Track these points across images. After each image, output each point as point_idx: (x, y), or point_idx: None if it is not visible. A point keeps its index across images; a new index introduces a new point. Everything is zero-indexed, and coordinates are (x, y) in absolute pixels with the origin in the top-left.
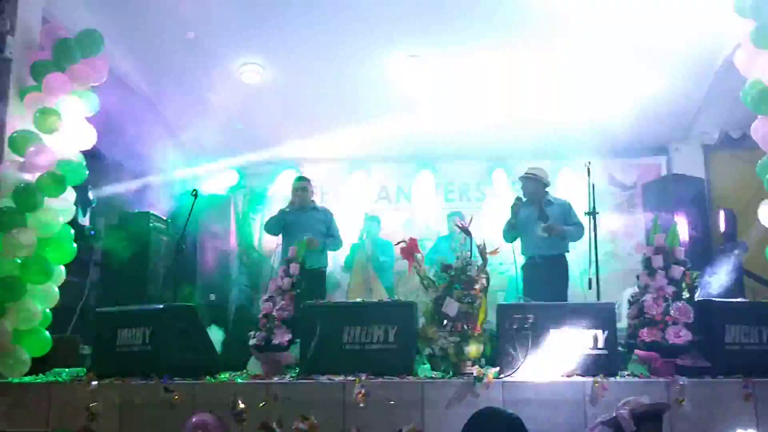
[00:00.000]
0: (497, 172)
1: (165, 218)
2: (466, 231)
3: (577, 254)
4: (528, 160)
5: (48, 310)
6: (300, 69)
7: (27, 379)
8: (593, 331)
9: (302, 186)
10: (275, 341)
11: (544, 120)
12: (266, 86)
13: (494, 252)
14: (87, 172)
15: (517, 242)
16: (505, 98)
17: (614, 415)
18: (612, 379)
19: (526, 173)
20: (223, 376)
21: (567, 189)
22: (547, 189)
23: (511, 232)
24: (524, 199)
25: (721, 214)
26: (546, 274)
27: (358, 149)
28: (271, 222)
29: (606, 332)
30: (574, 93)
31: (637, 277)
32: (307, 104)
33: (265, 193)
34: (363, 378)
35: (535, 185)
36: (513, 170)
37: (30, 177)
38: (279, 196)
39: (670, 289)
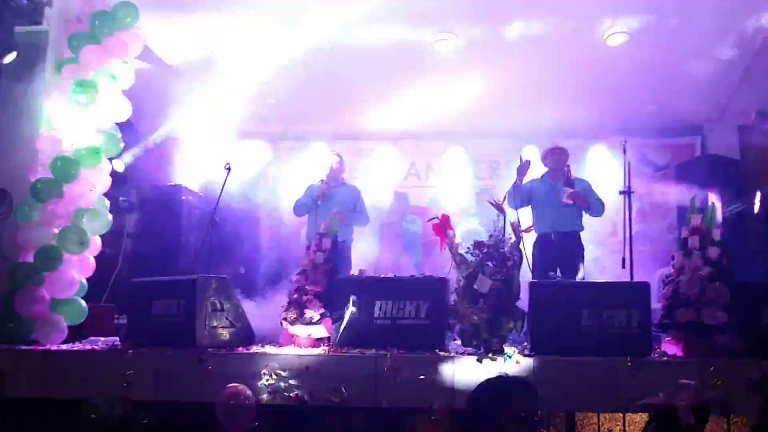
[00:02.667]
0: (527, 150)
1: (198, 191)
2: (499, 208)
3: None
4: (558, 138)
5: (84, 280)
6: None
7: (64, 347)
8: (626, 310)
9: (333, 161)
10: (308, 315)
11: (576, 97)
12: (297, 61)
13: (528, 229)
14: (122, 144)
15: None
16: (535, 75)
17: (666, 401)
18: (645, 359)
19: (553, 146)
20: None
21: (598, 167)
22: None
23: (516, 196)
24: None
25: (758, 194)
26: (560, 252)
27: (388, 125)
28: (301, 207)
29: (639, 312)
30: (607, 70)
31: (672, 257)
32: (338, 80)
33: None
34: (394, 352)
35: (560, 158)
36: (542, 147)
37: (67, 147)
38: (309, 172)
39: (707, 270)
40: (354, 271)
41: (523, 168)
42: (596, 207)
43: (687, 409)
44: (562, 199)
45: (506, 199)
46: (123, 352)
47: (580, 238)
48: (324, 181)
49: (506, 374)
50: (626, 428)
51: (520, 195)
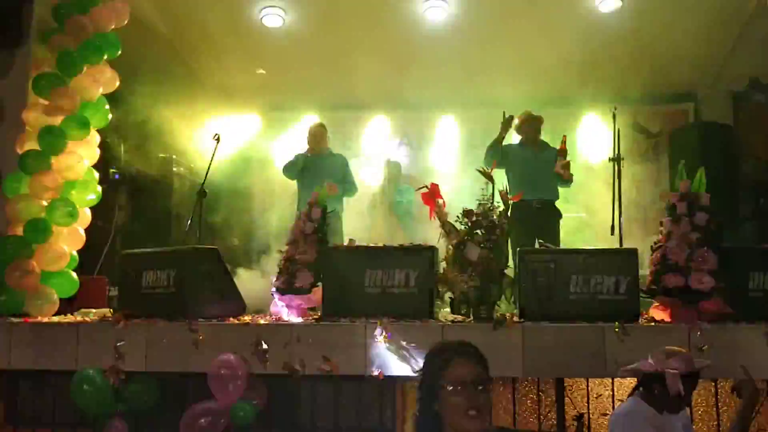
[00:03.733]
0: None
1: (189, 163)
2: (487, 176)
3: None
4: (551, 107)
5: (74, 252)
6: (322, 12)
7: (55, 319)
8: (614, 277)
9: (319, 132)
10: (297, 284)
11: (568, 64)
12: (288, 30)
13: (517, 197)
14: (110, 115)
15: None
16: (527, 42)
17: (657, 368)
18: (633, 324)
19: (528, 113)
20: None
21: (590, 136)
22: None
23: (497, 151)
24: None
25: (749, 162)
26: (539, 221)
27: (380, 95)
28: (289, 165)
29: (628, 278)
30: (597, 35)
31: (661, 223)
32: (329, 49)
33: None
34: (384, 321)
35: (537, 125)
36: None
37: (54, 120)
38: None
39: (694, 236)
40: (344, 241)
41: (508, 122)
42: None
43: (676, 378)
44: (556, 168)
45: (485, 156)
46: (114, 324)
47: (556, 207)
48: (311, 150)
49: (452, 342)
50: (615, 393)
51: (498, 152)
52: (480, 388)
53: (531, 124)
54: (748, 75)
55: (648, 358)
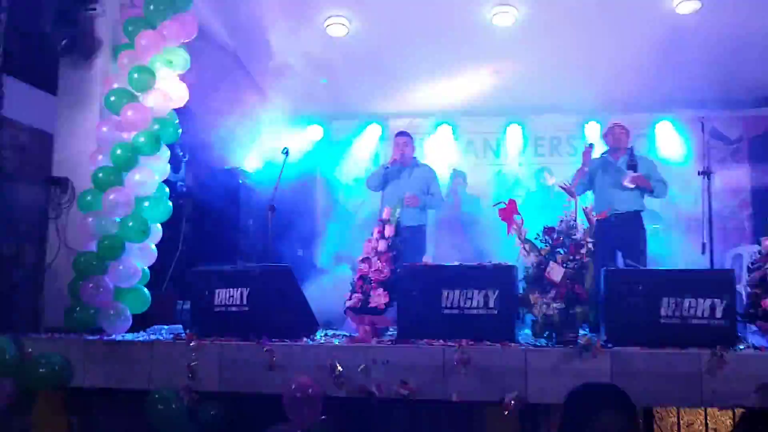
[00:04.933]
0: (590, 126)
1: (254, 175)
2: (569, 192)
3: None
4: (623, 113)
5: (146, 268)
6: (386, 21)
7: (129, 336)
8: (710, 300)
9: (404, 141)
10: (372, 304)
11: (642, 69)
12: (352, 39)
13: (602, 215)
14: (180, 130)
15: None
16: (599, 45)
17: (762, 403)
18: (731, 351)
19: (616, 128)
20: (319, 335)
21: (665, 143)
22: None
23: (583, 182)
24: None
25: None
26: (620, 234)
27: (445, 103)
28: (373, 177)
29: (724, 301)
30: (676, 39)
31: (758, 242)
32: (393, 57)
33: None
34: (463, 343)
35: (620, 136)
36: (606, 123)
37: (126, 136)
38: (364, 152)
39: None
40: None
41: (588, 153)
42: (659, 189)
43: None
44: (623, 182)
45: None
46: (187, 343)
47: (641, 217)
48: (395, 161)
49: (596, 383)
50: (707, 421)
51: (584, 182)
52: None
53: (612, 134)
54: None
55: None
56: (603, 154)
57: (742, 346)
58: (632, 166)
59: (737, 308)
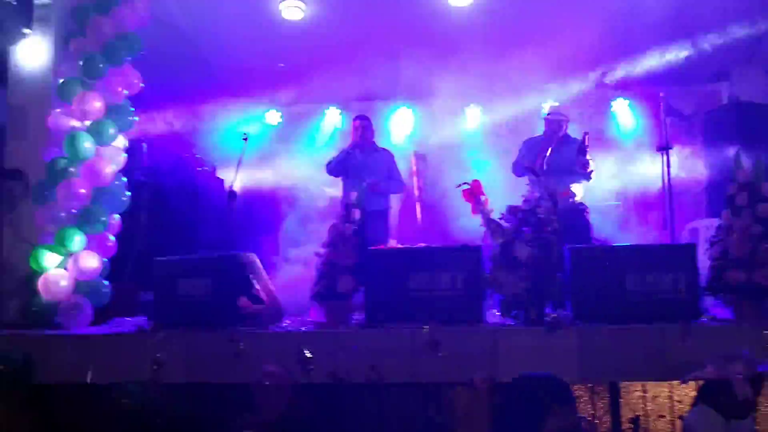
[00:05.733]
0: (548, 105)
1: (212, 162)
2: (533, 171)
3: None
4: (578, 91)
5: (106, 260)
6: (343, 4)
7: (91, 330)
8: (673, 274)
9: (363, 125)
10: (339, 289)
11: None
12: (308, 23)
13: (565, 193)
14: (136, 118)
15: None
16: (551, 23)
17: (719, 374)
18: (694, 324)
19: (556, 114)
20: (286, 322)
21: (623, 120)
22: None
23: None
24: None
25: None
26: (565, 224)
27: (404, 85)
28: (333, 163)
29: (686, 275)
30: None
31: (716, 216)
32: (350, 40)
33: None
34: (431, 325)
35: (558, 124)
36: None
37: (79, 125)
38: (323, 136)
39: (758, 228)
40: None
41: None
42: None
43: (744, 383)
44: (576, 165)
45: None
46: (152, 335)
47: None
48: (355, 144)
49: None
50: (672, 394)
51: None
52: None
53: (550, 121)
54: None
55: (707, 365)
56: (540, 135)
57: (705, 319)
58: (582, 151)
59: (698, 281)
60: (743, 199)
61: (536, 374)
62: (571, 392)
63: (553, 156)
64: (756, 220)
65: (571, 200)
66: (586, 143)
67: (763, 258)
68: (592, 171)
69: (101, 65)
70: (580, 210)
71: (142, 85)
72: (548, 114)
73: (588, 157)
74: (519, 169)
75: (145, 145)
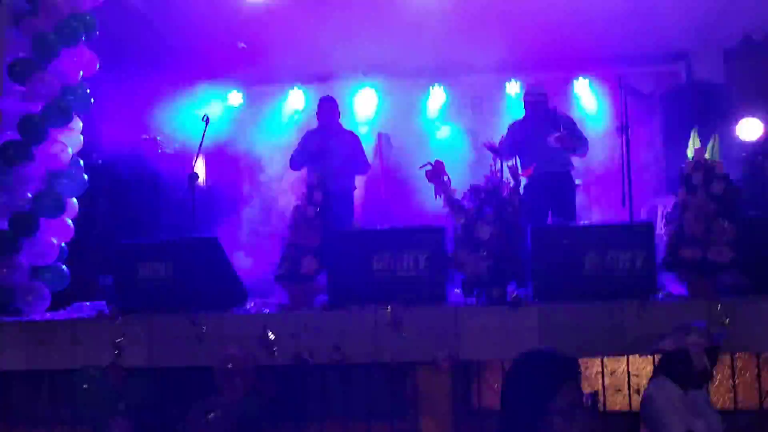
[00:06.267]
0: (511, 85)
1: (175, 144)
2: (494, 150)
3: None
4: (541, 71)
5: (64, 244)
6: None
7: (49, 316)
8: (630, 252)
9: (328, 106)
10: (302, 271)
11: (557, 24)
12: (271, 2)
13: (527, 172)
14: (92, 100)
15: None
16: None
17: (677, 345)
18: (651, 300)
19: (534, 94)
20: (249, 305)
21: (584, 101)
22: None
23: (512, 149)
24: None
25: (744, 122)
26: (552, 193)
27: (368, 66)
28: (296, 157)
29: (644, 252)
30: None
31: (675, 193)
32: (313, 20)
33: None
34: (394, 306)
35: (538, 99)
36: (526, 82)
37: (34, 107)
38: (287, 117)
39: (712, 206)
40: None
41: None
42: (581, 147)
43: (701, 353)
44: (549, 143)
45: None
46: (112, 319)
47: (571, 177)
48: (320, 126)
49: (552, 358)
50: (629, 368)
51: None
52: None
53: (529, 98)
54: (740, 31)
55: (665, 337)
56: (524, 116)
57: (661, 295)
58: (556, 125)
59: (656, 258)
60: (698, 178)
61: (545, 349)
62: (578, 367)
63: (542, 135)
64: (710, 198)
65: (567, 173)
66: (557, 117)
67: (716, 235)
68: (572, 144)
69: (55, 46)
70: (570, 186)
71: (98, 66)
72: (526, 94)
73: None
74: (504, 153)
75: (102, 127)
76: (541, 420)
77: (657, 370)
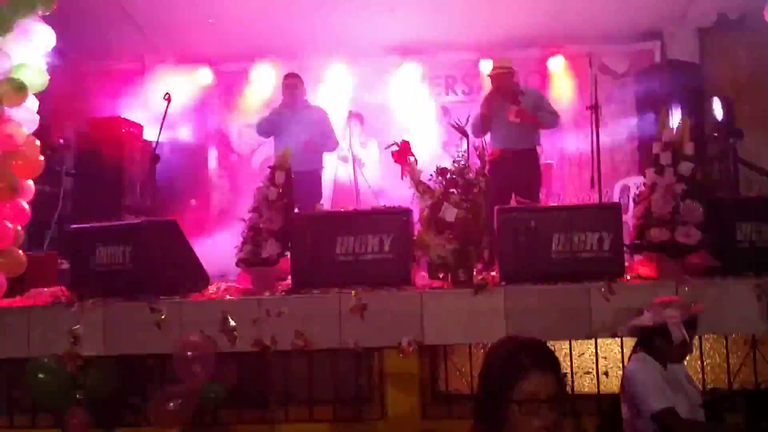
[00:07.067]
0: (484, 63)
1: (139, 123)
2: (461, 131)
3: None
4: (515, 49)
5: (20, 228)
6: None
7: (4, 302)
8: (598, 233)
9: (294, 83)
10: (264, 254)
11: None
12: None
13: (494, 154)
14: (48, 77)
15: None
16: None
17: (656, 320)
18: (618, 282)
19: (499, 67)
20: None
21: (557, 79)
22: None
23: (482, 124)
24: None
25: (716, 101)
26: (516, 170)
27: (338, 42)
28: (263, 123)
29: (611, 234)
30: None
31: (643, 174)
32: None
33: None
34: (359, 290)
35: (504, 76)
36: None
37: None
38: (256, 94)
39: (680, 187)
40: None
41: (490, 99)
42: (547, 120)
43: (679, 325)
44: (508, 117)
45: (469, 126)
46: (67, 306)
47: (536, 155)
48: (286, 103)
49: (526, 344)
50: (597, 350)
51: (479, 124)
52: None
53: (495, 75)
54: (715, 9)
55: (644, 313)
56: (489, 92)
57: (629, 276)
58: (514, 101)
59: (624, 239)
60: (666, 158)
61: (520, 336)
62: (550, 357)
63: (504, 111)
64: (678, 179)
65: (532, 150)
66: (514, 96)
67: (684, 216)
68: (557, 116)
69: (8, 19)
70: (535, 165)
71: (55, 42)
72: (492, 70)
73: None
74: (476, 130)
75: (62, 106)
76: (503, 408)
77: (637, 345)
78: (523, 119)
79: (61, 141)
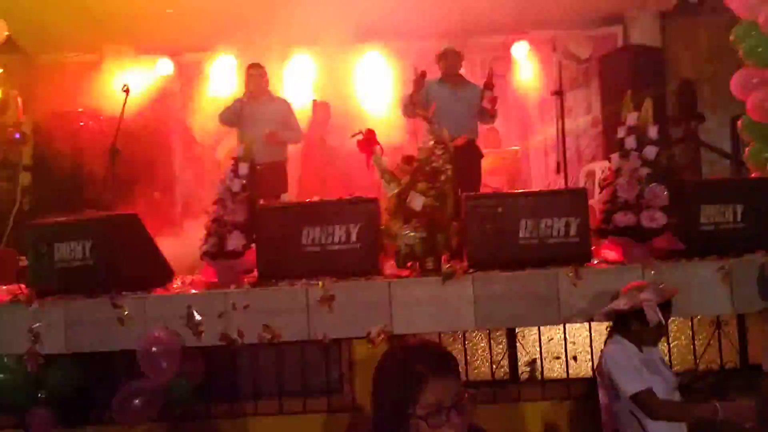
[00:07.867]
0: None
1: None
2: (426, 119)
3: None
4: (479, 35)
5: None
6: None
7: None
8: (564, 219)
9: (257, 73)
10: (229, 247)
11: None
12: None
13: (460, 140)
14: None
15: None
16: None
17: (631, 304)
18: (585, 267)
19: (447, 47)
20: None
21: (522, 65)
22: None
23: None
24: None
25: (678, 85)
26: (460, 162)
27: (301, 32)
28: (227, 113)
29: (577, 219)
30: None
31: (609, 159)
32: None
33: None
34: (326, 281)
35: (453, 61)
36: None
37: None
38: (217, 86)
39: (645, 171)
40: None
41: (419, 80)
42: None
43: (654, 307)
44: (483, 103)
45: (402, 108)
46: (27, 304)
47: (476, 146)
48: (249, 94)
49: (419, 350)
50: (566, 335)
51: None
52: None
53: (444, 61)
54: None
55: (619, 297)
56: (439, 79)
57: (596, 261)
58: (489, 87)
59: (590, 224)
60: (631, 142)
61: (412, 341)
62: (450, 361)
63: (451, 99)
64: (643, 163)
65: (472, 142)
66: (492, 80)
67: (649, 200)
68: (496, 110)
69: None
70: (476, 156)
71: (7, 33)
72: (440, 53)
73: (494, 93)
74: (407, 108)
75: (20, 98)
76: (406, 425)
77: (613, 329)
78: (492, 108)
79: (17, 135)
